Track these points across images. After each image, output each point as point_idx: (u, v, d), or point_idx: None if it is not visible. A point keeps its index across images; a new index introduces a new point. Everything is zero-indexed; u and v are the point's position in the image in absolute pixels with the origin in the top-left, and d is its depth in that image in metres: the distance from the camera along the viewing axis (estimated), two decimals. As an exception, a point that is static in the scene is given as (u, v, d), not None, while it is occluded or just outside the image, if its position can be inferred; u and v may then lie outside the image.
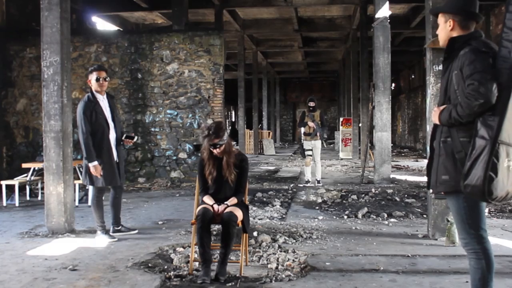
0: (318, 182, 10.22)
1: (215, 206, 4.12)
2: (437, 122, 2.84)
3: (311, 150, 10.16)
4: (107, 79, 5.61)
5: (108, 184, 5.60)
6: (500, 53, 2.63)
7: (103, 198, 5.75)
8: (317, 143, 10.17)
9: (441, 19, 2.95)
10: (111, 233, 5.66)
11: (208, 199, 4.22)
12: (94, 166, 5.39)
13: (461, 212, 2.79)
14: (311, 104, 10.20)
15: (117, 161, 5.63)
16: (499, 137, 2.53)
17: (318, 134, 10.08)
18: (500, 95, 2.58)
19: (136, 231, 5.87)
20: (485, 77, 2.59)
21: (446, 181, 2.78)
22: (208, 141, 4.13)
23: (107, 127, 5.53)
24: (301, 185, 10.10)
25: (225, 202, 4.16)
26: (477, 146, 2.59)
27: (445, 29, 2.93)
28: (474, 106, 2.60)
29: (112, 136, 5.58)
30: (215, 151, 4.18)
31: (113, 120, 5.63)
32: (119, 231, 5.77)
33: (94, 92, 5.53)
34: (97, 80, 5.49)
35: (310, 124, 10.04)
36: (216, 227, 5.41)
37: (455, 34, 2.89)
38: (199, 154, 4.39)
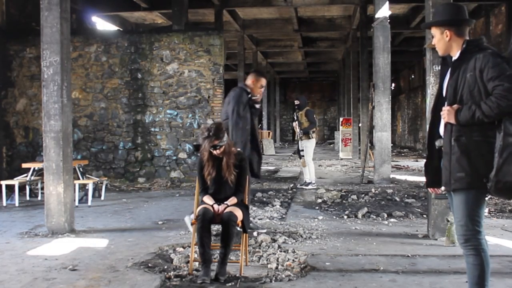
0: (306, 184, 9.73)
1: (215, 206, 4.12)
2: (452, 122, 2.88)
3: (303, 150, 9.96)
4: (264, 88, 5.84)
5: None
6: None
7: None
8: (306, 143, 9.76)
9: (436, 31, 3.07)
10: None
11: (208, 199, 4.22)
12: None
13: (469, 208, 2.85)
14: (296, 102, 10.16)
15: None
16: None
17: (300, 133, 9.85)
18: None
19: (265, 231, 5.66)
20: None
21: (461, 178, 2.84)
22: (208, 142, 4.13)
23: (251, 123, 5.66)
24: (299, 186, 10.01)
25: (225, 202, 4.16)
26: (508, 143, 2.67)
27: (443, 40, 3.04)
28: (506, 106, 2.67)
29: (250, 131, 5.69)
30: (215, 152, 4.18)
31: (252, 121, 5.75)
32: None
33: (248, 91, 5.69)
34: (261, 87, 5.72)
35: (294, 124, 10.03)
36: (216, 227, 5.41)
37: (454, 43, 3.01)
38: (199, 154, 4.39)
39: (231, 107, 5.54)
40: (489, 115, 2.72)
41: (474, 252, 2.84)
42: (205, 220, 3.98)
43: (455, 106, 2.87)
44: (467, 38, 3.01)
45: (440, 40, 3.05)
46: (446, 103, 2.97)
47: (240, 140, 5.42)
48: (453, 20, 3.00)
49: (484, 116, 2.74)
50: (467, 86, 2.84)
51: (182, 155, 10.85)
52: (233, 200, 4.21)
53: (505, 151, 2.68)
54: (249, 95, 5.67)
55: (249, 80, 5.74)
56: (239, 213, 4.09)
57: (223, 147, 4.18)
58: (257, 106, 5.91)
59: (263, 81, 5.76)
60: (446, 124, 2.93)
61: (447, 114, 2.90)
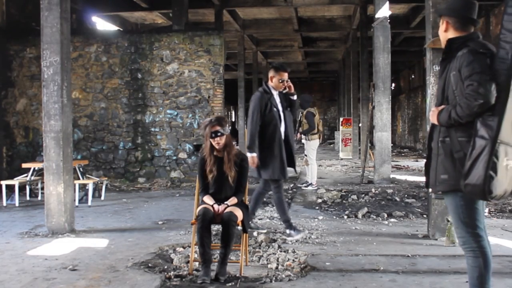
0: (307, 185, 9.69)
1: (215, 206, 4.11)
2: (436, 123, 2.87)
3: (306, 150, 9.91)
4: (288, 81, 5.59)
5: (278, 177, 5.39)
6: (498, 54, 2.66)
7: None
8: (308, 143, 9.69)
9: (441, 20, 3.04)
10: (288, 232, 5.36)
11: (208, 199, 4.21)
12: (252, 157, 5.27)
13: (459, 210, 2.82)
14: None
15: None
16: (501, 137, 2.57)
17: (296, 134, 9.79)
18: (498, 96, 2.61)
19: (265, 231, 5.47)
20: (484, 77, 2.63)
21: (445, 180, 2.81)
22: (210, 127, 4.13)
23: (279, 121, 5.46)
24: (298, 185, 10.01)
25: (225, 202, 4.16)
26: (477, 146, 2.62)
27: (442, 29, 3.01)
28: (474, 106, 2.63)
29: (283, 130, 5.50)
30: (216, 142, 4.15)
31: (284, 116, 5.56)
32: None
33: (270, 86, 5.54)
34: (282, 82, 5.50)
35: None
36: (216, 227, 5.41)
37: (449, 35, 2.95)
38: (199, 154, 4.38)
39: (249, 113, 5.45)
40: (462, 115, 2.68)
41: (472, 254, 2.81)
42: (205, 220, 3.97)
43: (440, 107, 2.85)
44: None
45: (440, 29, 3.02)
46: (435, 103, 2.95)
47: (255, 144, 5.31)
48: (455, 13, 2.94)
49: (458, 117, 2.70)
50: (451, 86, 2.81)
51: (182, 155, 10.85)
52: (233, 200, 4.20)
53: (473, 153, 2.63)
54: (269, 94, 5.48)
55: (269, 78, 5.60)
56: (239, 213, 4.09)
57: (225, 137, 4.17)
58: (293, 97, 5.72)
59: (283, 75, 5.51)
60: (436, 125, 2.91)
61: (431, 115, 2.89)
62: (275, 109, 5.46)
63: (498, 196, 2.64)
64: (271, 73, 5.57)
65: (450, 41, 2.91)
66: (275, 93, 5.56)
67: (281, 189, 5.48)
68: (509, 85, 2.59)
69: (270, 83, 5.56)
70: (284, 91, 5.63)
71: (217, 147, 4.19)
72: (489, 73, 2.64)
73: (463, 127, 2.73)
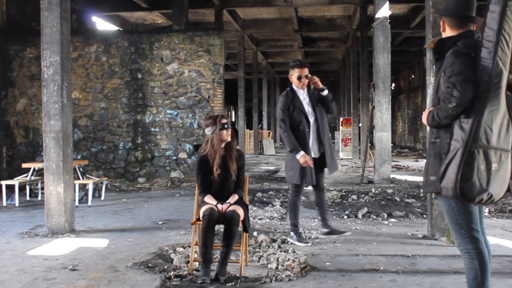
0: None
1: (219, 206, 4.11)
2: (426, 124, 2.88)
3: None
4: (308, 76, 5.22)
5: (302, 182, 5.16)
6: (481, 53, 2.62)
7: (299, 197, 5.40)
8: None
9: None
10: (321, 235, 5.32)
11: (209, 199, 4.20)
12: (302, 156, 5.02)
13: (452, 212, 2.80)
14: None
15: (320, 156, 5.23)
16: (477, 140, 2.55)
17: None
18: (478, 97, 2.58)
19: (349, 233, 5.37)
20: (460, 79, 2.60)
21: (434, 182, 2.78)
22: (221, 119, 4.21)
23: (306, 122, 5.18)
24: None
25: (228, 201, 4.17)
26: (451, 148, 2.62)
27: (441, 30, 2.97)
28: (448, 109, 2.63)
29: (312, 130, 5.21)
30: (229, 133, 4.22)
31: (315, 114, 5.23)
32: (330, 233, 5.36)
33: (294, 86, 5.27)
34: (299, 78, 5.19)
35: None
36: (215, 227, 5.40)
37: (447, 35, 2.91)
38: (200, 152, 4.38)
39: (277, 117, 5.28)
40: (441, 117, 2.68)
41: (467, 256, 2.78)
42: (211, 220, 3.97)
43: (432, 108, 2.84)
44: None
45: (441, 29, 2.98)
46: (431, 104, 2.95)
47: (295, 145, 5.08)
48: (448, 11, 2.90)
49: (438, 118, 2.70)
50: (440, 87, 2.78)
51: (182, 155, 10.85)
52: (234, 197, 4.22)
53: (448, 156, 2.61)
54: (292, 95, 5.22)
55: (290, 77, 5.32)
56: (240, 212, 4.10)
57: (230, 130, 4.25)
58: (323, 93, 5.28)
59: (300, 71, 5.17)
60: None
61: (423, 117, 2.90)
62: (298, 110, 5.19)
63: (480, 199, 2.61)
64: (290, 72, 5.31)
65: (440, 42, 2.88)
66: (301, 92, 5.26)
67: (299, 194, 5.32)
68: (490, 86, 2.56)
69: (293, 83, 5.30)
70: (312, 87, 5.32)
71: (228, 139, 4.25)
72: (469, 74, 2.60)
73: (451, 129, 2.70)
